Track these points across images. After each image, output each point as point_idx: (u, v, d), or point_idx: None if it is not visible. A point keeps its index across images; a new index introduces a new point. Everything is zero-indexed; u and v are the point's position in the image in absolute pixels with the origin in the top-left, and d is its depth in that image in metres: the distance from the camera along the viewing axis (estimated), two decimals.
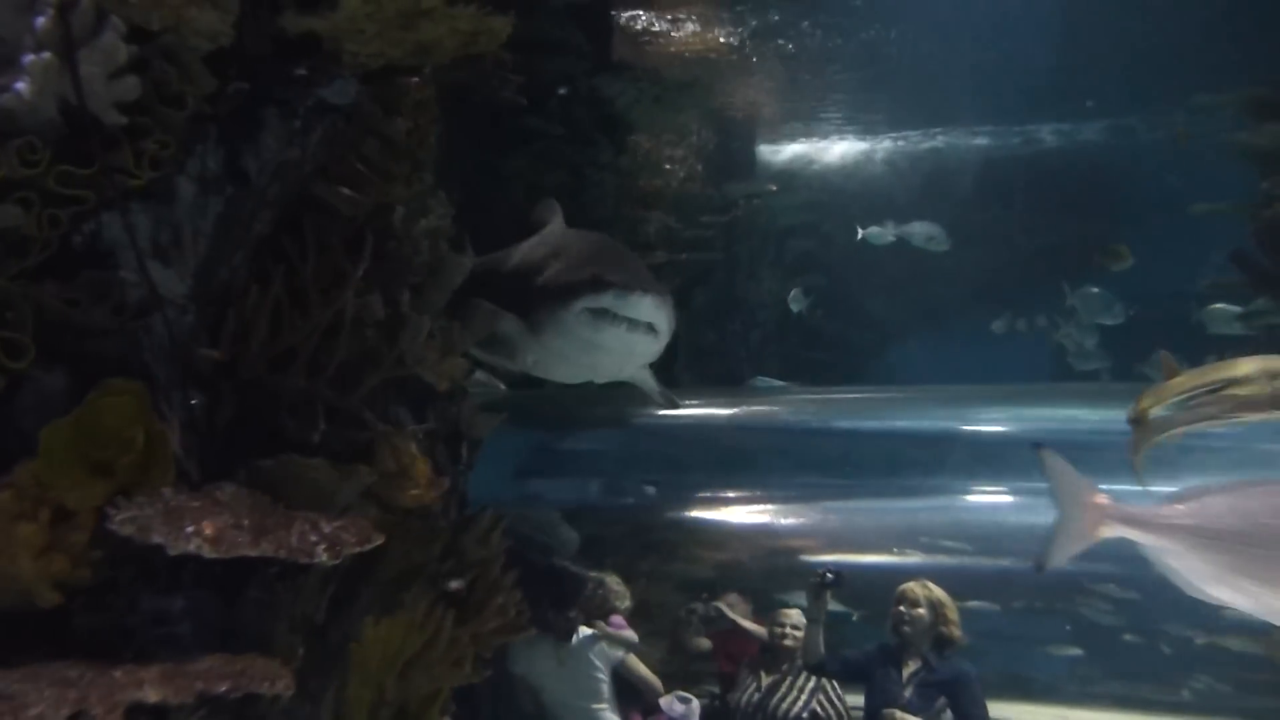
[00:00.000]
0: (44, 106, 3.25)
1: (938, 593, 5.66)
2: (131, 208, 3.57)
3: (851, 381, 10.42)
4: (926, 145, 11.50)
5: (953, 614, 5.60)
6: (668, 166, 9.31)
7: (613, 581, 6.33)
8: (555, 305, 4.95)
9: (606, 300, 4.72)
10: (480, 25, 3.59)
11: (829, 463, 8.53)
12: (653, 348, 5.07)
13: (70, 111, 3.31)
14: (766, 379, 9.69)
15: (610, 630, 5.97)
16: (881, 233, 10.21)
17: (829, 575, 5.63)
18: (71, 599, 3.38)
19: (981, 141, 11.34)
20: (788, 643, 6.02)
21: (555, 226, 6.04)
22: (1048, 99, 10.26)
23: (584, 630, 5.94)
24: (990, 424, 7.74)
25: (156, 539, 3.24)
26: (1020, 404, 7.98)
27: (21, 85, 3.14)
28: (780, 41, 8.81)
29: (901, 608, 5.65)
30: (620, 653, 5.92)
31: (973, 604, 6.74)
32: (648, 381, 6.58)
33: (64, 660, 3.27)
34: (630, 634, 6.06)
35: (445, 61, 3.90)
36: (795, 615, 6.22)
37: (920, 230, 10.02)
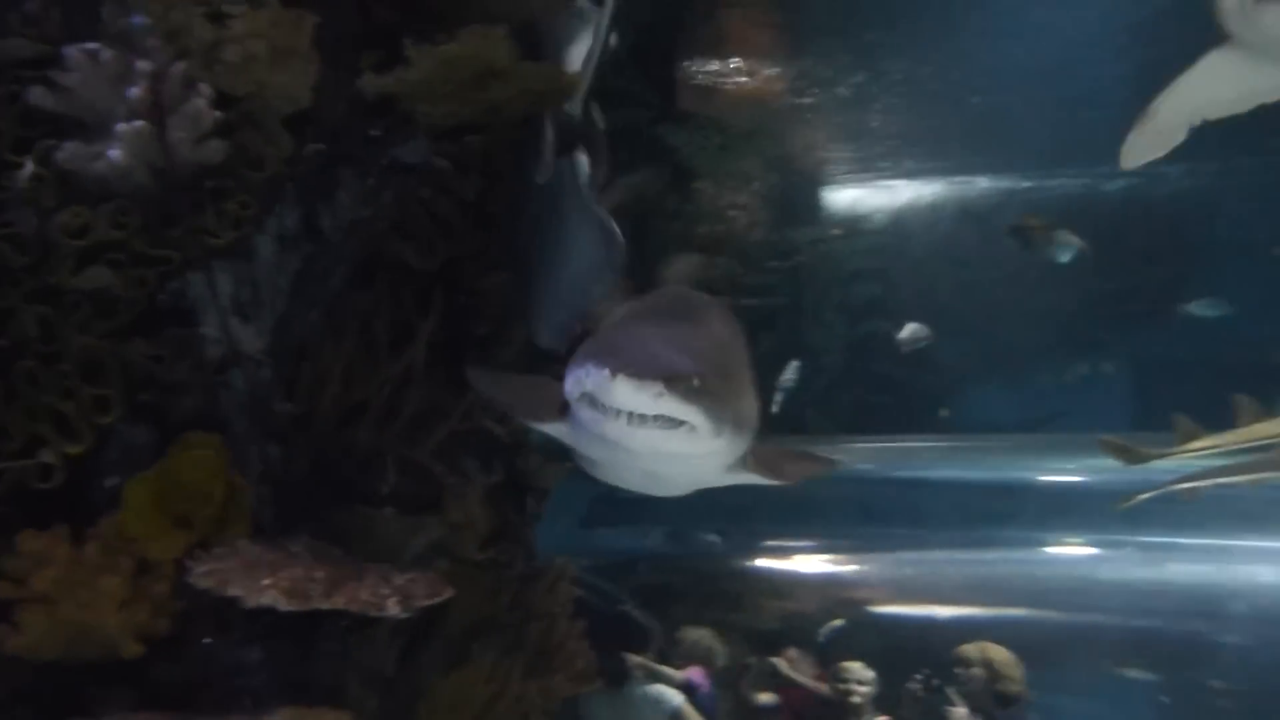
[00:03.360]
0: (135, 171, 3.37)
1: (995, 652, 5.61)
2: (214, 267, 3.70)
3: (920, 429, 10.28)
4: (1000, 186, 11.38)
5: (1013, 671, 5.53)
6: (731, 213, 9.34)
7: (703, 636, 6.30)
8: (567, 391, 3.45)
9: (589, 385, 3.08)
10: (551, 83, 3.65)
11: (898, 512, 8.41)
12: (694, 447, 2.98)
13: (159, 175, 3.44)
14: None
15: (665, 675, 5.91)
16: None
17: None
18: (151, 649, 3.46)
19: (1056, 182, 11.19)
20: (855, 699, 5.92)
21: (670, 287, 4.86)
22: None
23: (641, 679, 5.89)
24: (1066, 474, 7.56)
25: (234, 591, 3.30)
26: (1097, 453, 7.80)
27: (114, 152, 3.27)
28: (846, 85, 8.81)
29: (957, 669, 5.69)
30: (678, 703, 5.86)
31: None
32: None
33: (146, 710, 3.35)
34: (695, 681, 6.00)
35: (516, 118, 3.98)
36: (859, 669, 6.11)
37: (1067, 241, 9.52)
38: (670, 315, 3.42)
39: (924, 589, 8.03)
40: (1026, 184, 11.47)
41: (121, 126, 3.27)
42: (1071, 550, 7.32)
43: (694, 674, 6.10)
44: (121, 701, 3.43)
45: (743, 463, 3.26)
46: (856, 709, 5.95)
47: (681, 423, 2.81)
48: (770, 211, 9.91)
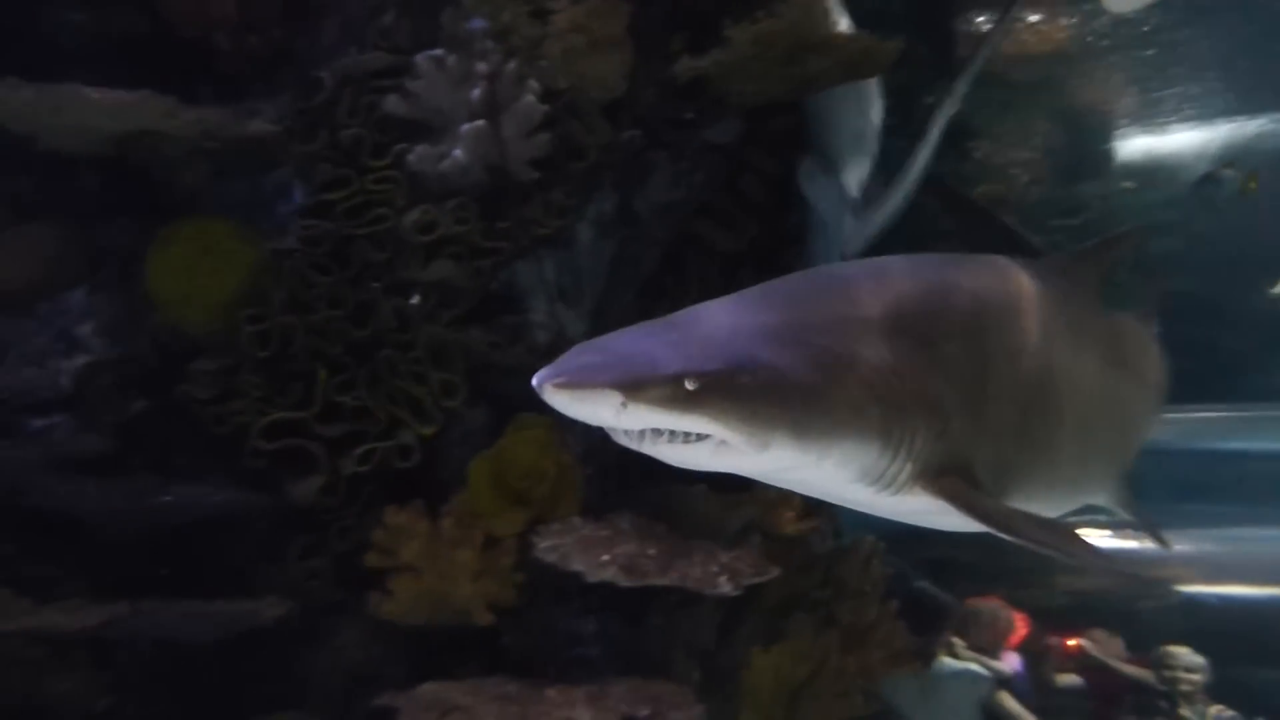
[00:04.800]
0: (473, 169, 3.57)
1: None
2: (541, 255, 3.86)
3: (1228, 397, 9.40)
4: None
5: None
6: (1012, 170, 8.83)
7: (1004, 611, 6.05)
8: None
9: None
10: (868, 53, 3.55)
11: (1207, 487, 7.74)
12: (739, 462, 2.23)
13: (493, 171, 3.63)
14: None
15: (980, 660, 5.71)
16: None
17: None
18: (498, 619, 3.69)
19: None
20: (1184, 687, 5.49)
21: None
22: None
23: (949, 661, 5.72)
24: None
25: (576, 567, 3.47)
26: None
27: (458, 152, 3.46)
28: (1140, 30, 8.10)
29: None
30: (990, 687, 5.65)
31: None
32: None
33: (497, 676, 3.58)
34: (1006, 667, 5.76)
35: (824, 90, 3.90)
36: (1186, 655, 5.66)
37: None
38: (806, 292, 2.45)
39: (1240, 568, 7.38)
40: None
41: (464, 127, 3.46)
42: None
43: (1009, 657, 5.86)
44: (475, 666, 3.67)
45: (892, 482, 2.30)
46: (1188, 697, 5.52)
47: (702, 435, 2.11)
48: (1055, 167, 9.31)
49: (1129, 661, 6.15)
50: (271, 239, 3.67)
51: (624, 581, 3.42)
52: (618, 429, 2.09)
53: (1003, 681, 5.70)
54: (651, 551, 3.59)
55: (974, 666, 5.71)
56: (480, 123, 3.43)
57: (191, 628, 3.37)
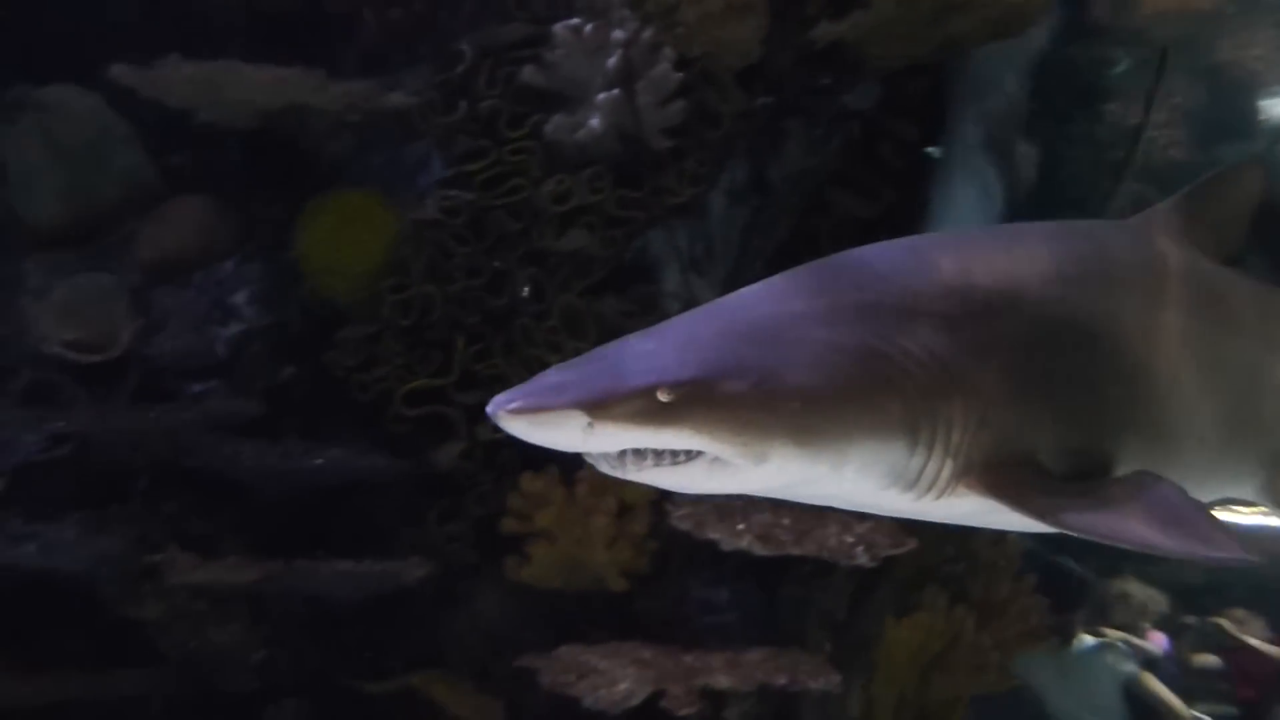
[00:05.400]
0: (608, 138, 3.58)
1: None
2: (674, 224, 3.86)
3: None
4: None
5: None
6: (1149, 133, 8.45)
7: (1137, 588, 5.87)
8: None
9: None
10: (1016, 10, 3.43)
11: None
12: (736, 482, 1.96)
13: (627, 140, 3.63)
14: None
15: (1125, 639, 5.53)
16: None
17: None
18: (632, 585, 3.74)
19: None
20: None
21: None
22: None
23: (1090, 639, 5.57)
24: None
25: (712, 535, 3.48)
26: None
27: (594, 121, 3.47)
28: None
29: None
30: (1133, 667, 5.48)
31: None
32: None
33: (632, 640, 3.63)
34: (1153, 647, 5.59)
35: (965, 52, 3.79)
36: None
37: None
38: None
39: None
40: None
41: (600, 96, 3.47)
42: None
43: (1155, 636, 5.68)
44: (609, 631, 3.73)
45: (933, 484, 1.99)
46: None
47: (692, 454, 1.84)
48: (1194, 129, 8.87)
49: (1273, 641, 5.91)
50: (411, 209, 3.75)
51: (760, 551, 3.42)
52: (595, 455, 1.84)
53: (1149, 662, 5.51)
54: (786, 521, 3.57)
55: (1118, 647, 5.55)
56: (616, 91, 3.44)
57: (340, 586, 3.50)
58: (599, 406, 1.75)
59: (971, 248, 2.23)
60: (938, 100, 4.23)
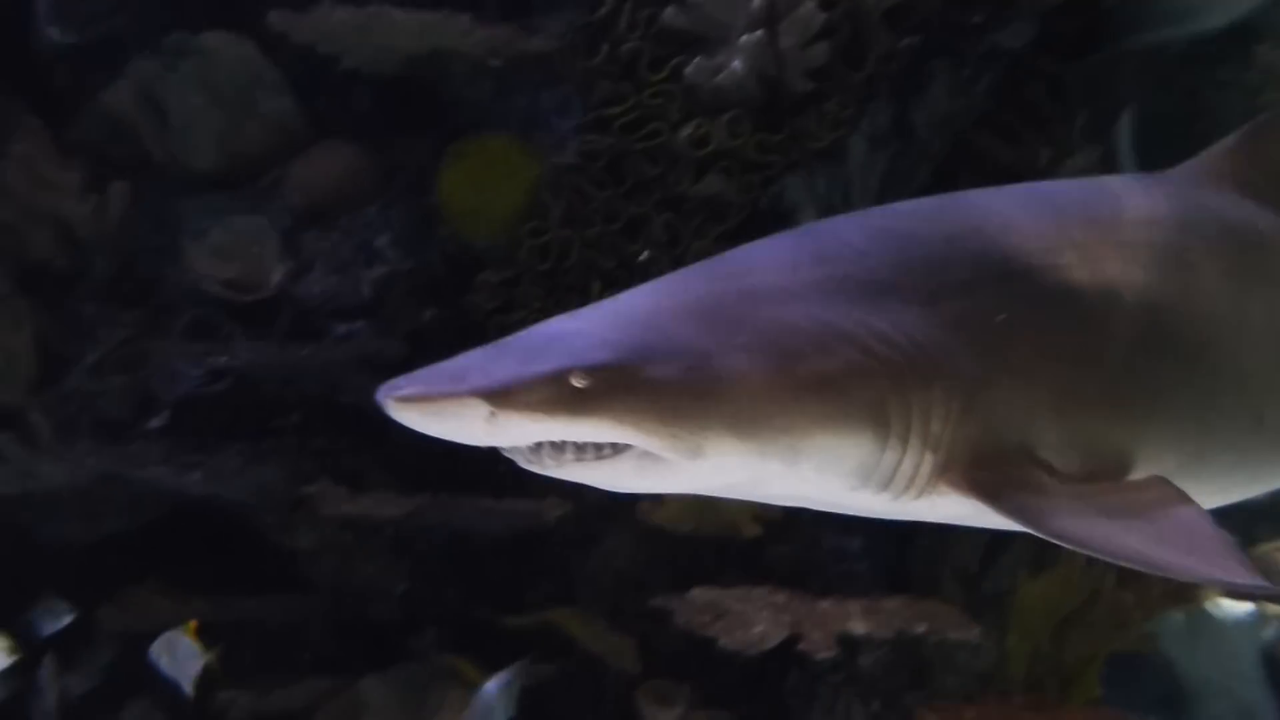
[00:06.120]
0: (748, 81, 3.53)
1: None
2: (813, 169, 3.80)
3: None
4: None
5: None
6: None
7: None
8: None
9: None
10: None
11: None
12: (673, 479, 1.72)
13: (768, 83, 3.58)
14: None
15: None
16: None
17: None
18: (764, 531, 3.75)
19: None
20: None
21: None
22: None
23: (1229, 604, 5.38)
24: None
25: None
26: None
27: (736, 63, 3.43)
28: None
29: None
30: (1274, 632, 5.28)
31: None
32: None
33: (764, 586, 3.65)
34: None
35: None
36: None
37: None
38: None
39: None
40: None
41: (743, 38, 3.42)
42: None
43: None
44: (739, 575, 3.76)
45: (912, 481, 1.72)
46: None
47: (620, 447, 1.63)
48: None
49: None
50: (550, 154, 3.78)
51: None
52: (508, 448, 1.66)
53: None
54: None
55: (1256, 610, 5.35)
56: (759, 33, 3.38)
57: (482, 523, 3.60)
58: (501, 394, 1.57)
59: (959, 213, 1.98)
60: (1093, 40, 4.08)
